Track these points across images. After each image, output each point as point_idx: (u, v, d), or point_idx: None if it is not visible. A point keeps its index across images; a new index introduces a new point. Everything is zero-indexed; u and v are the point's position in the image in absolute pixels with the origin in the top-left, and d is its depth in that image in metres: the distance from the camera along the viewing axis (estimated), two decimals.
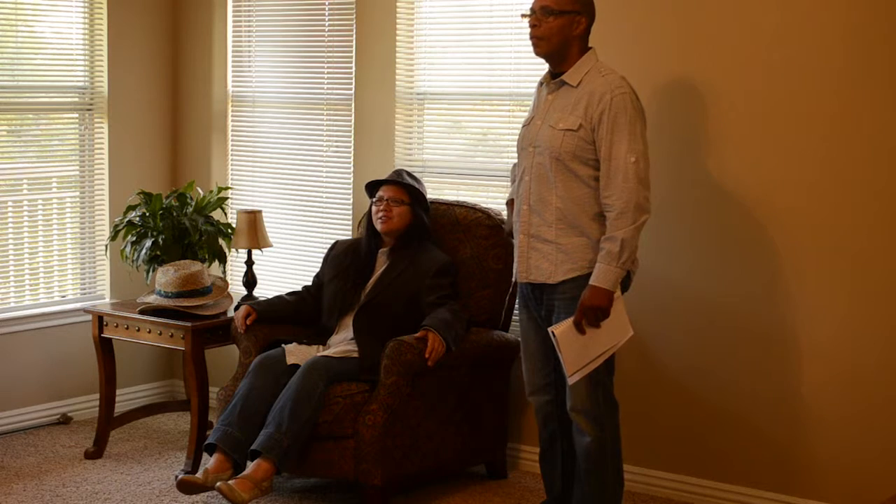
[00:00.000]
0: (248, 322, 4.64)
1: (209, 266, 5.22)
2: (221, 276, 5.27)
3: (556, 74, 3.90)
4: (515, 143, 4.04)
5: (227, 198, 5.44)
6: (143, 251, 5.07)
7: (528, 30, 3.88)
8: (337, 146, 5.42)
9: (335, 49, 5.37)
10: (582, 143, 3.77)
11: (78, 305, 5.53)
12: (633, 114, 3.75)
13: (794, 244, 4.27)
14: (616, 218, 3.71)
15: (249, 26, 5.64)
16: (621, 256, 3.70)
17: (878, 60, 4.07)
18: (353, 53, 5.27)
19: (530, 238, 3.91)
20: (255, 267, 5.17)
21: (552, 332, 3.78)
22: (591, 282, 3.74)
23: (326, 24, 5.40)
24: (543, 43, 3.84)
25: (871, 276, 4.14)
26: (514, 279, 4.05)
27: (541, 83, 3.98)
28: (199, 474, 4.26)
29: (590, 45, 3.92)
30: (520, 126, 4.05)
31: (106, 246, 5.42)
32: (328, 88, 5.43)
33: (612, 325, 3.77)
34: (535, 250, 3.90)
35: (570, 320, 3.76)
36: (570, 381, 3.81)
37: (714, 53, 4.38)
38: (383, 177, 4.77)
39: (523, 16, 3.92)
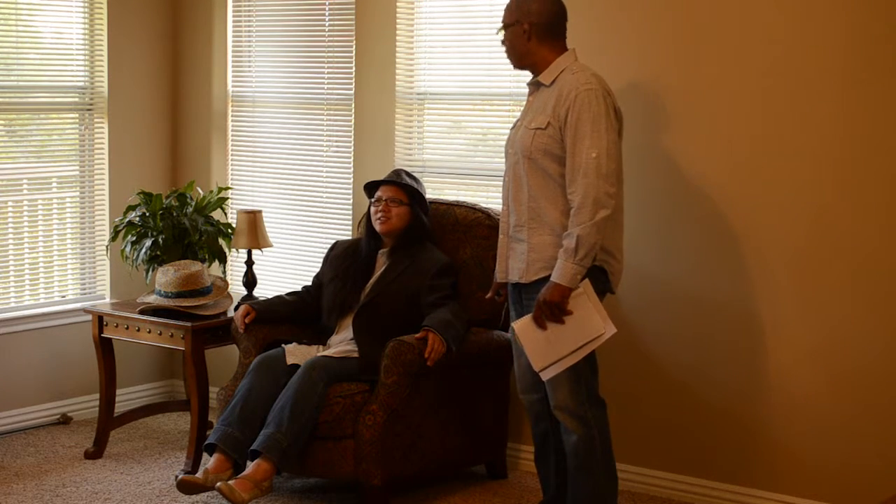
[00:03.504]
0: (246, 321, 4.64)
1: (209, 266, 5.22)
2: (221, 276, 5.28)
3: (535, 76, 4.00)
4: None
5: (227, 198, 5.45)
6: (143, 251, 5.07)
7: None
8: (337, 146, 5.42)
9: (335, 49, 5.38)
10: (551, 140, 3.82)
11: (78, 305, 5.53)
12: (597, 110, 3.77)
13: (790, 243, 4.27)
14: (575, 213, 3.74)
15: (249, 26, 5.64)
16: (577, 253, 3.71)
17: (879, 58, 4.07)
18: (353, 53, 5.27)
19: (509, 238, 3.99)
20: (255, 267, 5.17)
21: (512, 327, 3.86)
22: (551, 277, 3.78)
23: (326, 24, 5.41)
24: (508, 55, 4.01)
25: (870, 275, 4.14)
26: (495, 279, 4.14)
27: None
28: (199, 474, 4.26)
29: (570, 46, 3.98)
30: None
31: (106, 246, 5.42)
32: (328, 88, 5.43)
33: (579, 323, 3.78)
34: (512, 250, 3.98)
35: (529, 316, 3.82)
36: (543, 377, 3.85)
37: (709, 51, 4.38)
38: (383, 177, 4.77)
39: (497, 31, 4.04)
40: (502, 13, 3.99)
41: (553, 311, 3.76)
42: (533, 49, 3.92)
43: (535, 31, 3.90)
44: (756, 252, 4.34)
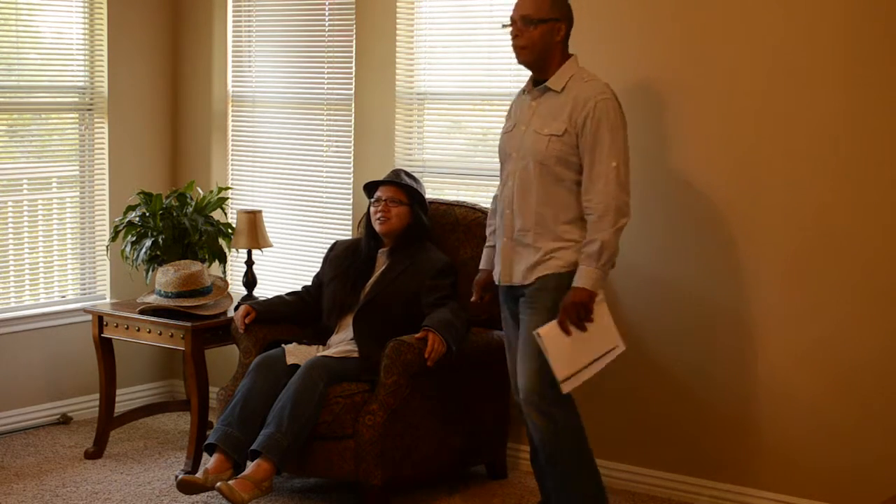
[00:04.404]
0: (246, 321, 4.64)
1: (209, 266, 5.22)
2: (221, 276, 5.28)
3: (538, 81, 3.95)
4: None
5: (227, 198, 5.45)
6: (143, 251, 5.07)
7: (511, 39, 3.93)
8: (337, 146, 5.42)
9: (335, 49, 5.38)
10: (567, 147, 3.83)
11: (78, 305, 5.53)
12: (615, 120, 3.81)
13: (789, 244, 4.27)
14: (597, 221, 3.78)
15: (249, 26, 5.64)
16: (601, 258, 3.76)
17: (880, 59, 4.07)
18: (353, 53, 5.27)
19: (513, 242, 3.96)
20: (255, 267, 5.17)
21: (537, 334, 3.81)
22: (574, 283, 3.79)
23: (326, 24, 5.41)
24: (526, 52, 3.91)
25: (870, 276, 4.14)
26: (496, 281, 4.09)
27: (523, 91, 4.03)
28: (199, 474, 4.26)
29: (571, 51, 3.96)
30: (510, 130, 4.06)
31: (106, 246, 5.42)
32: (328, 88, 5.43)
33: (600, 331, 3.80)
34: (517, 254, 3.95)
35: (554, 322, 3.80)
36: (564, 388, 3.82)
37: (709, 51, 4.38)
38: (383, 177, 4.77)
39: (504, 26, 3.97)
40: (524, 5, 3.89)
41: (580, 313, 3.77)
42: (554, 50, 3.90)
43: (566, 35, 3.91)
44: (755, 253, 4.34)
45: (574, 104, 3.83)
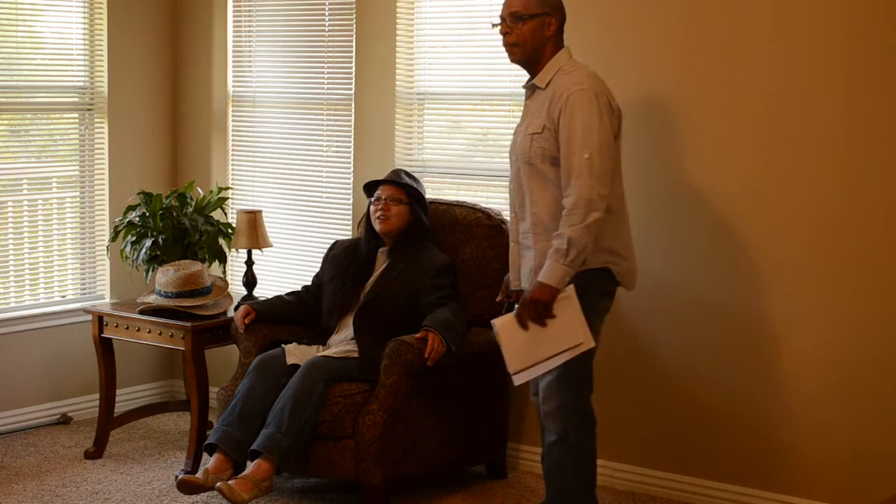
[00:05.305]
0: (246, 321, 4.64)
1: (209, 266, 5.22)
2: (221, 276, 5.28)
3: (530, 79, 3.91)
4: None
5: (227, 198, 5.45)
6: (143, 251, 5.07)
7: (502, 38, 3.86)
8: (337, 146, 5.42)
9: (335, 49, 5.38)
10: (548, 144, 3.75)
11: (78, 305, 5.53)
12: (589, 110, 3.69)
13: (793, 244, 4.27)
14: (566, 215, 3.65)
15: (249, 26, 5.64)
16: (568, 255, 3.63)
17: (883, 60, 4.07)
18: (353, 53, 5.27)
19: (518, 245, 3.94)
20: (255, 267, 5.17)
21: (493, 324, 3.76)
22: (539, 277, 3.69)
23: (326, 24, 5.41)
24: (518, 49, 3.84)
25: (873, 277, 4.14)
26: (510, 288, 4.06)
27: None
28: (199, 474, 4.26)
29: (566, 45, 3.90)
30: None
31: (106, 247, 5.42)
32: (328, 88, 5.43)
33: (561, 328, 3.67)
34: (522, 257, 3.93)
35: (512, 314, 3.73)
36: (515, 380, 3.76)
37: (712, 53, 4.38)
38: (382, 177, 4.77)
39: (494, 25, 3.91)
40: (513, 2, 3.82)
41: (539, 310, 3.66)
42: (546, 46, 3.82)
43: (558, 29, 3.84)
44: (759, 253, 4.34)
45: (552, 98, 3.76)
